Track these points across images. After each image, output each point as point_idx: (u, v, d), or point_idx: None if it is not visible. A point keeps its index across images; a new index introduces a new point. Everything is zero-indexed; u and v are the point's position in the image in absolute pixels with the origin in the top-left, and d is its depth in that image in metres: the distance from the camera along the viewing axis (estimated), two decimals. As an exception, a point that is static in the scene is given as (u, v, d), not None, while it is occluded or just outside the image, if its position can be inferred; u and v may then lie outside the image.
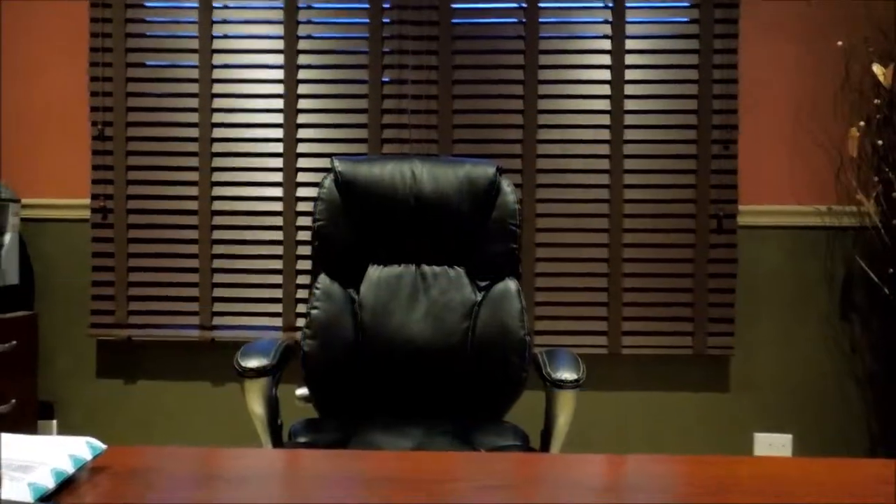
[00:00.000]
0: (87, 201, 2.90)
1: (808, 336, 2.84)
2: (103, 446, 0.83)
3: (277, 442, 1.80)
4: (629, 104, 2.82)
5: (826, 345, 2.83)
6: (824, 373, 2.84)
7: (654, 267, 2.84)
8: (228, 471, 0.84)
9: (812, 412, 2.84)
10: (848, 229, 2.79)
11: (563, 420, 1.72)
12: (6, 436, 0.65)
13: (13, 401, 2.66)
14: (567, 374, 1.70)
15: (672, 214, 2.83)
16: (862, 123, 2.71)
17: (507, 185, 1.98)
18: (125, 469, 0.83)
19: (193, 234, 2.88)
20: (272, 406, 1.78)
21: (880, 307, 2.78)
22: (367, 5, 2.85)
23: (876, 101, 2.70)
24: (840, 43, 2.76)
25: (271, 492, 0.77)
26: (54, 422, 2.94)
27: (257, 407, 1.74)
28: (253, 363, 1.72)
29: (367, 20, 2.85)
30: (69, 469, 0.75)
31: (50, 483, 0.71)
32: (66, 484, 0.76)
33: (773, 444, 2.85)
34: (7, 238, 2.66)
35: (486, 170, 1.98)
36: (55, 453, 0.76)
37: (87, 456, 0.79)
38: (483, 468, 0.86)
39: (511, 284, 1.96)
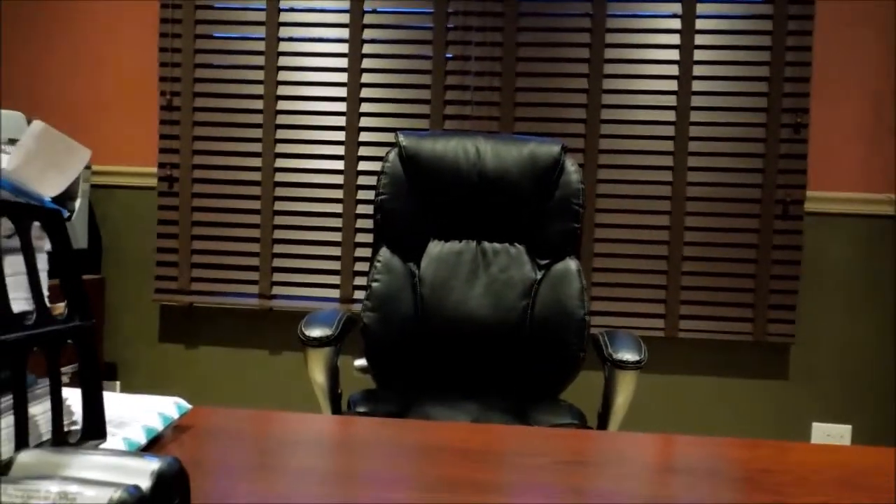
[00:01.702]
0: (154, 170, 2.96)
1: (872, 327, 2.78)
2: (189, 406, 0.85)
3: (336, 411, 1.83)
4: (697, 85, 2.77)
5: (890, 336, 2.76)
6: (887, 365, 2.77)
7: (715, 251, 2.80)
8: (298, 434, 0.86)
9: (872, 404, 2.78)
10: (920, 219, 2.72)
11: (621, 401, 1.72)
12: (105, 394, 0.68)
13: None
14: (629, 355, 1.69)
15: (737, 199, 2.78)
16: (941, 110, 2.63)
17: (571, 165, 1.96)
18: (207, 428, 0.86)
19: (255, 205, 2.92)
20: (333, 375, 1.80)
21: (951, 300, 2.70)
22: (433, -20, 2.84)
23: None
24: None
25: (336, 457, 0.78)
26: (118, 383, 3.03)
27: (319, 376, 1.77)
28: (316, 332, 1.75)
29: (433, -5, 2.84)
30: (159, 427, 0.78)
31: (142, 439, 0.74)
32: (155, 440, 0.79)
33: (831, 435, 2.80)
34: (77, 203, 2.73)
35: (550, 148, 1.96)
36: (146, 411, 0.79)
37: (175, 415, 0.81)
38: (540, 443, 0.86)
39: (572, 264, 1.95)
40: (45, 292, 0.63)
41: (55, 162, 0.68)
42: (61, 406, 0.61)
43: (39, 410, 0.62)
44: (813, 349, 2.80)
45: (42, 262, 0.66)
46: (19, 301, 0.61)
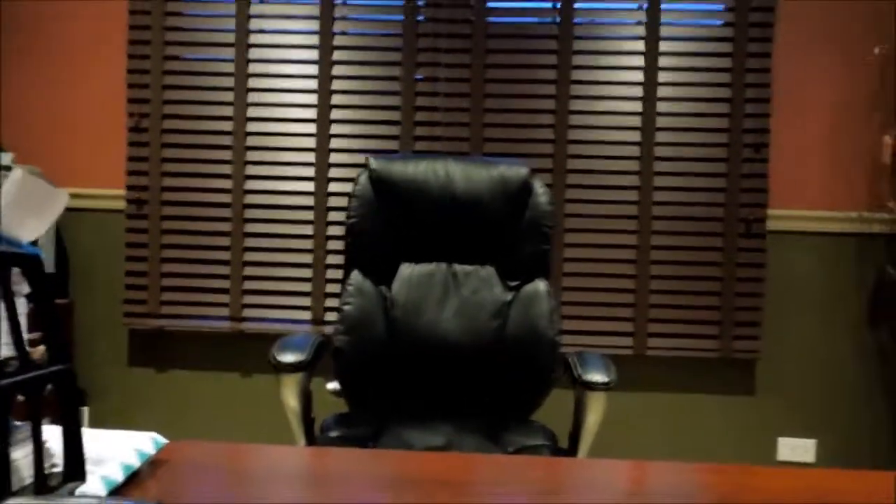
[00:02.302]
0: (123, 192, 2.95)
1: (836, 342, 2.84)
2: (164, 441, 0.86)
3: (310, 435, 1.84)
4: (661, 106, 2.83)
5: (853, 351, 2.83)
6: (851, 379, 2.84)
7: (681, 269, 2.85)
8: (273, 467, 0.87)
9: (837, 418, 2.84)
10: (878, 236, 2.79)
11: (592, 422, 1.74)
12: (83, 430, 0.68)
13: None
14: (598, 377, 1.72)
15: (701, 217, 2.84)
16: (896, 131, 2.71)
17: (539, 187, 1.99)
18: (183, 463, 0.86)
19: (226, 227, 2.92)
20: (306, 400, 1.81)
21: (909, 315, 2.78)
22: (401, 2, 2.87)
23: (911, 108, 2.70)
24: (877, 50, 2.75)
25: (307, 490, 0.79)
26: (86, 409, 3.00)
27: (292, 401, 1.77)
28: (289, 358, 1.76)
29: (402, 17, 2.87)
30: (136, 463, 0.78)
31: (120, 476, 0.74)
32: (133, 477, 0.79)
33: (796, 449, 2.85)
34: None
35: (518, 171, 1.99)
36: (123, 447, 0.79)
37: (151, 450, 0.82)
38: (513, 472, 0.88)
39: (541, 285, 1.98)
40: (25, 337, 0.64)
41: (34, 207, 0.69)
42: (42, 451, 0.61)
43: (21, 455, 0.62)
44: (778, 365, 2.86)
45: (21, 307, 0.67)
46: (0, 347, 0.61)
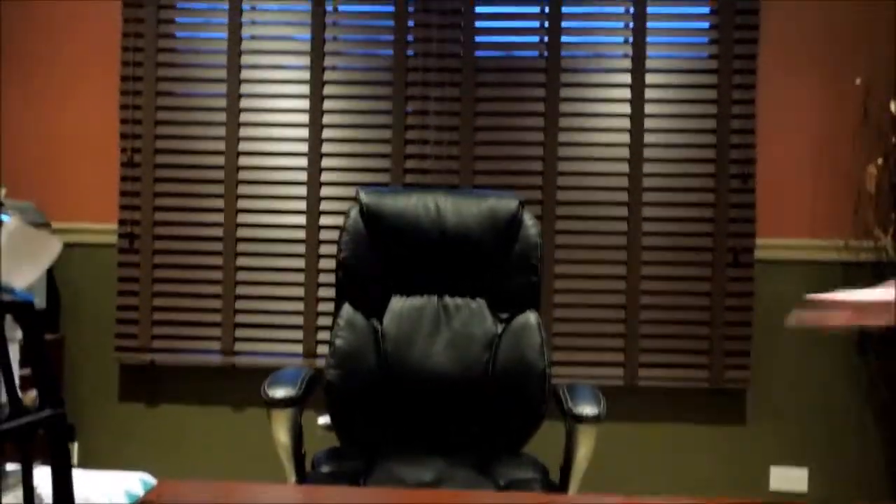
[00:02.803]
0: (115, 226, 2.96)
1: (826, 370, 2.85)
2: (153, 481, 0.86)
3: (301, 470, 1.83)
4: (648, 137, 2.87)
5: (843, 379, 2.85)
6: (841, 406, 2.85)
7: (671, 299, 2.86)
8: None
9: (829, 446, 2.85)
10: (865, 264, 2.81)
11: (582, 454, 1.75)
12: (73, 473, 0.69)
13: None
14: (588, 409, 1.72)
15: (689, 247, 2.86)
16: (880, 161, 2.74)
17: (529, 219, 2.01)
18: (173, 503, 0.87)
19: (218, 261, 2.93)
20: (297, 435, 1.81)
21: (897, 342, 2.80)
22: (391, 37, 2.91)
23: (894, 138, 2.73)
24: (858, 81, 2.79)
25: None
26: (76, 445, 2.98)
27: (283, 436, 1.77)
28: (280, 393, 1.76)
29: (391, 52, 2.91)
30: (126, 505, 0.79)
31: (110, 519, 0.75)
32: (122, 519, 0.80)
33: (789, 478, 2.85)
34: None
35: (509, 203, 2.01)
36: (113, 489, 0.80)
37: (140, 491, 0.83)
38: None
39: (532, 317, 1.99)
40: (17, 382, 0.65)
41: (28, 255, 0.70)
42: (33, 496, 0.62)
43: (12, 499, 0.63)
44: (768, 394, 2.87)
45: (14, 352, 0.68)
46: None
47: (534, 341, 1.97)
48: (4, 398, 0.62)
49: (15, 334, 0.70)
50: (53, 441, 0.66)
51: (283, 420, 1.77)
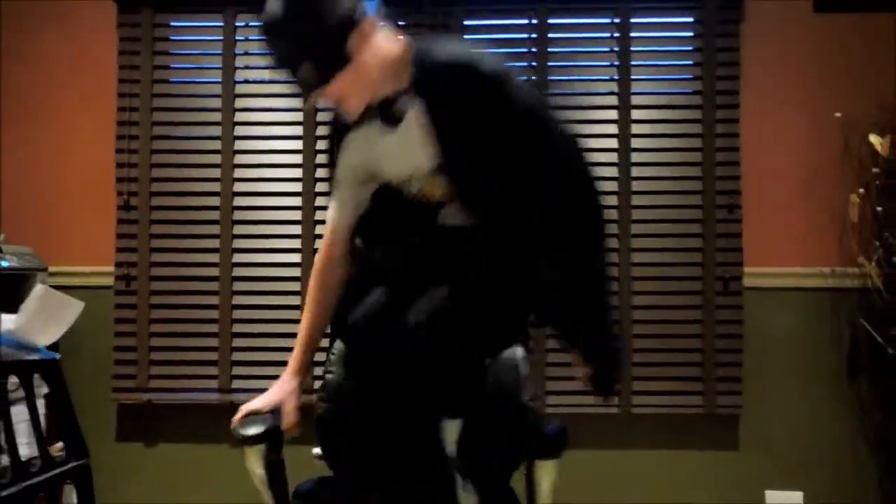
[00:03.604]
0: (111, 269, 2.98)
1: (817, 394, 2.90)
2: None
3: (283, 501, 1.83)
4: (636, 171, 2.93)
5: (835, 403, 2.89)
6: (833, 430, 2.89)
7: (662, 328, 2.91)
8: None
9: (822, 470, 2.88)
10: (851, 291, 2.87)
11: (545, 490, 1.69)
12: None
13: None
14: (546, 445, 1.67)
15: (679, 277, 2.91)
16: (861, 190, 2.81)
17: None
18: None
19: (214, 300, 2.96)
20: (276, 467, 1.82)
21: (885, 366, 2.84)
22: (382, 79, 2.97)
23: (874, 169, 2.80)
24: (838, 114, 2.87)
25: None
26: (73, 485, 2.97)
27: (258, 468, 1.78)
28: (251, 431, 1.77)
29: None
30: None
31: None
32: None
33: (784, 502, 2.88)
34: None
35: None
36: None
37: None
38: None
39: (518, 351, 1.98)
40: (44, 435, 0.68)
41: (53, 317, 0.74)
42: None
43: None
44: (761, 419, 2.90)
45: (40, 406, 0.71)
46: (23, 446, 0.65)
47: (519, 376, 1.94)
48: (34, 451, 0.66)
49: (40, 390, 0.73)
50: (80, 491, 0.69)
51: (255, 455, 1.78)
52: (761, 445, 2.91)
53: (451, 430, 1.53)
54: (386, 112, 1.51)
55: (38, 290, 0.62)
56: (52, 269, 2.93)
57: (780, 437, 2.90)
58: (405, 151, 1.53)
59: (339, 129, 1.65)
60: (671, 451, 2.92)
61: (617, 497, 2.91)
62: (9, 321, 0.60)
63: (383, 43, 1.50)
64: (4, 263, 2.62)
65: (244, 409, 1.71)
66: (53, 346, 2.94)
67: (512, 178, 1.47)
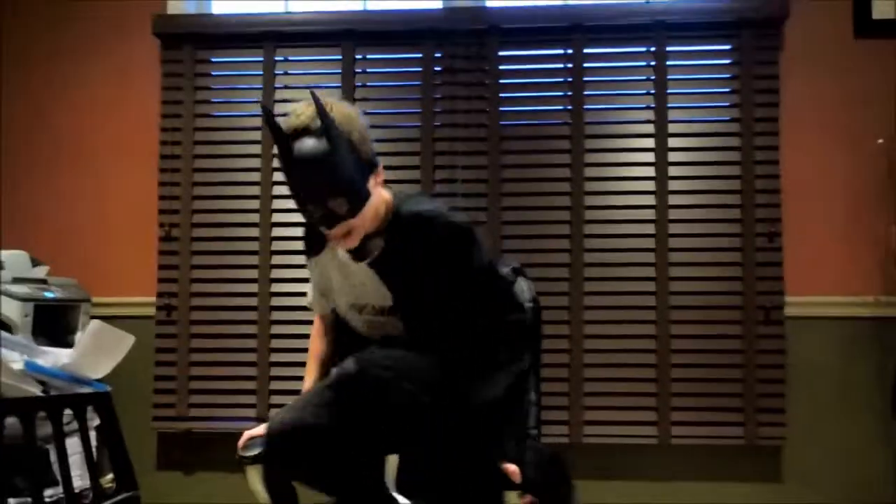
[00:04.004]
0: (152, 299, 3.03)
1: (862, 425, 2.83)
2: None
3: None
4: (673, 199, 2.91)
5: (881, 435, 2.82)
6: (880, 464, 2.82)
7: (702, 357, 2.87)
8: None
9: (868, 504, 2.81)
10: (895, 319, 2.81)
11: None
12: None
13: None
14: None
15: (719, 306, 2.88)
16: (903, 219, 2.77)
17: (518, 286, 1.96)
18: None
19: (253, 329, 2.99)
20: (279, 488, 1.79)
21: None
22: (419, 110, 3.01)
23: (918, 196, 2.76)
24: (881, 140, 2.83)
25: None
26: (115, 513, 3.00)
27: (258, 487, 1.78)
28: (249, 452, 1.78)
29: (420, 123, 2.99)
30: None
31: None
32: None
33: (829, 537, 2.81)
34: (78, 336, 2.78)
35: (501, 271, 1.97)
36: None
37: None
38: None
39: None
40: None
41: (106, 351, 0.76)
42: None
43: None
44: (805, 451, 2.84)
45: (92, 438, 0.72)
46: (76, 478, 0.67)
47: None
48: (85, 482, 0.67)
49: (91, 422, 0.75)
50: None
51: (254, 474, 1.78)
52: (805, 478, 2.84)
53: (391, 465, 1.55)
54: (356, 248, 1.69)
55: (94, 325, 0.64)
56: (95, 299, 2.98)
57: (825, 470, 2.84)
58: (359, 285, 1.75)
59: (309, 242, 1.92)
60: (712, 482, 2.87)
61: (657, 530, 2.86)
62: (64, 356, 0.62)
63: (382, 190, 1.71)
64: (50, 295, 2.68)
65: (246, 434, 1.81)
66: (101, 378, 3.00)
67: (445, 308, 1.67)
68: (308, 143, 1.57)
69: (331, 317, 2.02)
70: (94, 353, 0.64)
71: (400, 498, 1.53)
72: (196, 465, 3.01)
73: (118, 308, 3.03)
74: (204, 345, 3.01)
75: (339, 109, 1.64)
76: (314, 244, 1.89)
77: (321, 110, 1.59)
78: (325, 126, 1.58)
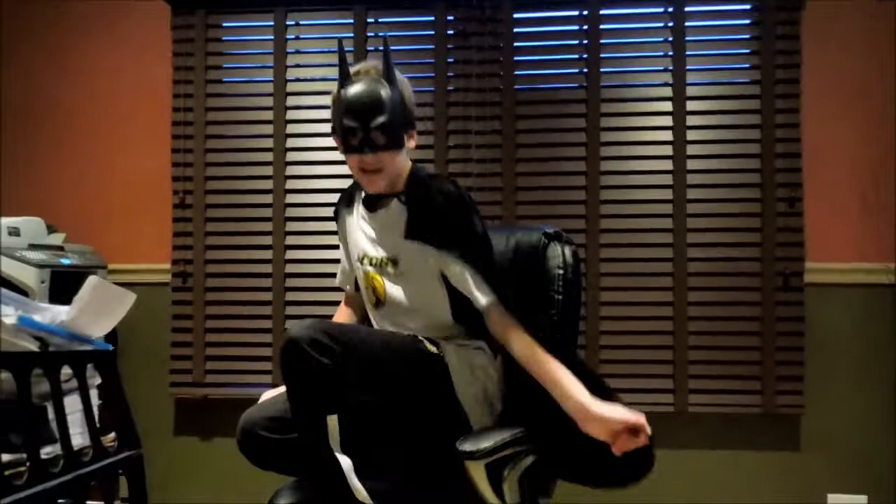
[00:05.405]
0: (168, 266, 3.04)
1: (881, 394, 2.79)
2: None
3: None
4: (692, 164, 2.86)
5: (900, 403, 2.78)
6: (900, 432, 2.78)
7: (719, 325, 2.84)
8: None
9: (888, 473, 2.78)
10: (918, 286, 2.77)
11: (483, 491, 1.58)
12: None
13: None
14: (467, 445, 1.56)
15: (738, 273, 2.84)
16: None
17: (551, 251, 1.87)
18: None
19: (268, 296, 2.99)
20: None
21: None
22: (432, 74, 2.97)
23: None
24: (901, 104, 2.76)
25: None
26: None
27: None
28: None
29: (433, 88, 2.96)
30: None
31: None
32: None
33: (848, 506, 2.79)
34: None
35: (531, 236, 1.90)
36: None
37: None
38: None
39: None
40: (97, 425, 0.69)
41: (105, 308, 0.75)
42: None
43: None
44: (824, 419, 2.81)
45: (93, 397, 0.72)
46: (76, 436, 0.66)
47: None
48: (86, 441, 0.66)
49: (93, 380, 0.74)
50: (132, 479, 0.69)
51: None
52: (824, 446, 2.82)
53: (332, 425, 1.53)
54: (371, 201, 1.81)
55: (91, 281, 0.64)
56: (111, 266, 2.99)
57: (844, 439, 2.81)
58: (374, 235, 1.83)
59: (339, 208, 1.97)
60: (729, 451, 2.86)
61: (673, 497, 2.85)
62: (62, 312, 0.62)
63: (407, 153, 1.83)
64: (66, 261, 2.69)
65: (264, 397, 1.92)
66: (112, 342, 3.02)
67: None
68: (371, 80, 1.72)
69: (357, 298, 2.01)
70: (93, 310, 0.64)
71: (343, 459, 1.53)
72: (212, 431, 3.04)
73: (134, 275, 3.04)
74: (219, 311, 3.01)
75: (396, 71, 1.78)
76: (342, 209, 1.95)
77: (388, 60, 1.72)
78: (390, 73, 1.72)
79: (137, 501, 0.69)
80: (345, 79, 1.74)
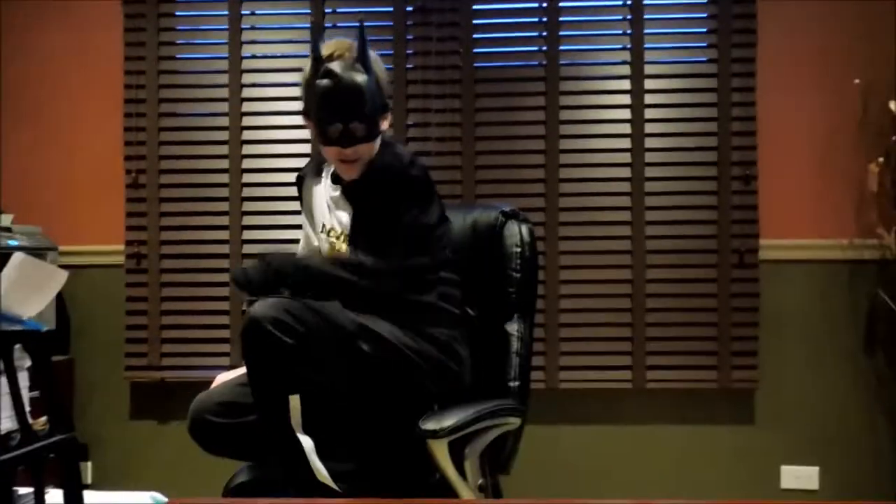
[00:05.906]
0: (122, 247, 2.98)
1: (834, 368, 2.85)
2: (164, 499, 0.88)
3: None
4: (649, 142, 2.88)
5: (851, 377, 2.84)
6: (850, 405, 2.85)
7: (676, 302, 2.87)
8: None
9: (839, 445, 2.85)
10: (869, 262, 2.81)
11: (446, 469, 1.61)
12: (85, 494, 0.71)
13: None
14: (430, 424, 1.58)
15: (694, 250, 2.87)
16: (881, 159, 2.74)
17: (508, 229, 1.90)
18: (185, 522, 0.88)
19: (224, 277, 2.95)
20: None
21: (905, 339, 2.79)
22: (391, 52, 2.94)
23: (894, 137, 2.73)
24: (857, 81, 2.79)
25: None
26: (89, 464, 3.00)
27: None
28: None
29: (392, 66, 2.93)
30: (137, 525, 0.80)
31: (122, 539, 0.77)
32: (134, 539, 0.81)
33: (799, 477, 2.85)
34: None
35: (489, 214, 1.92)
36: (124, 510, 0.82)
37: (152, 511, 0.84)
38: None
39: (509, 329, 1.87)
40: (27, 409, 0.67)
41: (35, 286, 0.73)
42: (46, 519, 0.64)
43: (25, 524, 0.65)
44: (777, 393, 2.87)
45: (23, 380, 0.70)
46: (4, 420, 0.64)
47: (506, 354, 1.84)
48: (16, 425, 0.64)
49: (23, 362, 0.72)
50: (65, 464, 0.67)
51: None
52: (777, 420, 2.87)
53: (294, 405, 1.52)
54: (338, 175, 1.81)
55: (16, 258, 0.62)
56: (62, 248, 2.93)
57: (797, 412, 2.87)
58: (334, 208, 1.82)
59: (305, 175, 1.95)
60: (686, 426, 2.90)
61: (631, 472, 2.89)
62: None
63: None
64: (13, 243, 2.62)
65: (218, 378, 1.93)
66: (65, 324, 2.96)
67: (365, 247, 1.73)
68: (347, 67, 1.67)
69: None
70: (21, 288, 0.62)
71: (304, 439, 1.52)
72: (169, 415, 3.00)
73: (87, 257, 2.98)
74: (175, 293, 2.97)
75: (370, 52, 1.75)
76: (309, 177, 1.93)
77: (363, 43, 1.68)
78: (365, 58, 1.68)
79: (71, 486, 0.67)
80: (317, 61, 1.69)
